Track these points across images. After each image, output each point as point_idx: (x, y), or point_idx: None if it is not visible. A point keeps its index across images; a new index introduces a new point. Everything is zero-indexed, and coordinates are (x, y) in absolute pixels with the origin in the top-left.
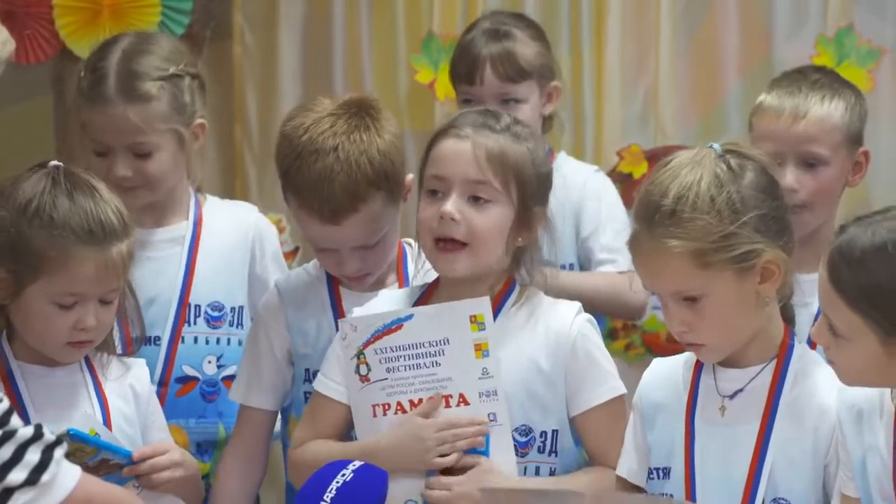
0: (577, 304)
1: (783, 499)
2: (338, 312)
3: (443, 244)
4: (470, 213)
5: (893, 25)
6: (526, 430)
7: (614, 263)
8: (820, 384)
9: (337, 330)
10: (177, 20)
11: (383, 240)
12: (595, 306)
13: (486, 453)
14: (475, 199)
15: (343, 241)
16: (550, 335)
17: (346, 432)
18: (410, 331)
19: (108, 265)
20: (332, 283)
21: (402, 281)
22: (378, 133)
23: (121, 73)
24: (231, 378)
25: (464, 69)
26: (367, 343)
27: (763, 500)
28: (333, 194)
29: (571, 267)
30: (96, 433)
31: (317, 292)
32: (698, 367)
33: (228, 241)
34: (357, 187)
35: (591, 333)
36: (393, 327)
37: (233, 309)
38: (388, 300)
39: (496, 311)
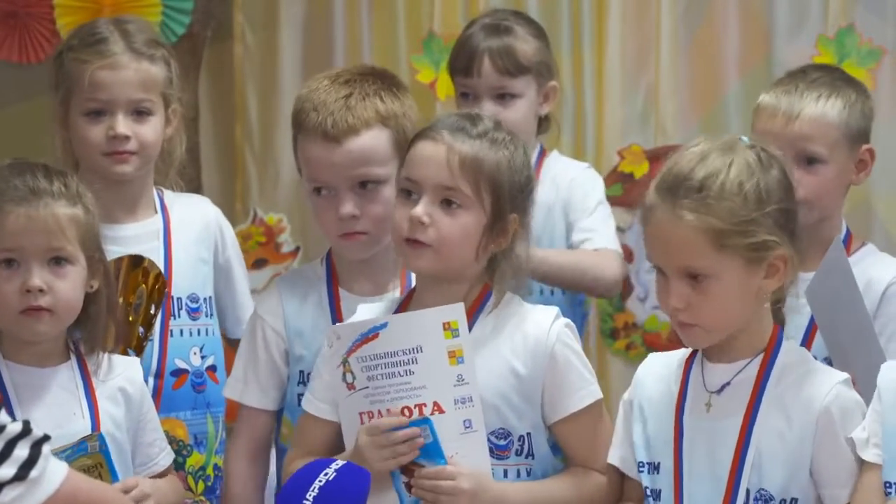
0: (555, 309)
1: (765, 490)
2: (336, 314)
3: (411, 241)
4: (439, 217)
5: (894, 25)
6: (504, 434)
7: (590, 241)
8: (808, 379)
9: None
10: (178, 20)
11: (382, 192)
12: (564, 281)
13: (437, 450)
14: (446, 204)
15: (340, 169)
16: (529, 341)
17: (335, 449)
18: (386, 339)
19: (36, 219)
20: (332, 284)
21: (404, 285)
22: (395, 85)
23: (124, 34)
24: (213, 368)
25: (462, 61)
26: (350, 351)
27: (747, 492)
28: (339, 109)
29: None
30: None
31: (317, 292)
32: (689, 363)
33: (194, 233)
34: (365, 111)
35: (570, 339)
36: (370, 336)
37: (205, 300)
38: (368, 312)
39: (473, 318)
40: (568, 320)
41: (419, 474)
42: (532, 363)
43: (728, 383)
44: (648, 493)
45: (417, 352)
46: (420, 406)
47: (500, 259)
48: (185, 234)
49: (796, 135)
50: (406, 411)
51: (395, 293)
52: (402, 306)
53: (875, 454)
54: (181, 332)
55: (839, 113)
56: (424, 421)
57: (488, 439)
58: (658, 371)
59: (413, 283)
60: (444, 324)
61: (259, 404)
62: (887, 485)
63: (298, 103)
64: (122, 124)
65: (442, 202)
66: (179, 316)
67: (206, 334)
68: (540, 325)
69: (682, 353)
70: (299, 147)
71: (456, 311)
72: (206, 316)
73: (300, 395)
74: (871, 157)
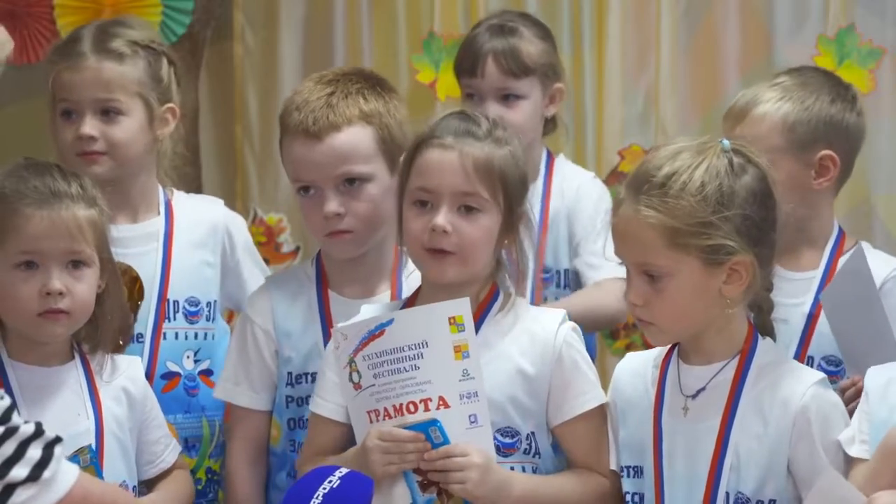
0: (563, 312)
1: (741, 493)
2: (325, 317)
3: (436, 251)
4: (460, 224)
5: (894, 25)
6: (512, 433)
7: (594, 270)
8: (785, 379)
9: (322, 335)
10: (178, 20)
11: (367, 190)
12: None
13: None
14: (466, 209)
15: (323, 166)
16: (536, 342)
17: (345, 449)
18: (392, 335)
19: (58, 222)
20: (322, 286)
21: (395, 289)
22: (379, 85)
23: (96, 34)
24: (208, 373)
25: (467, 62)
26: (357, 350)
27: (727, 495)
28: (321, 107)
29: (566, 273)
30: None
31: (306, 294)
32: (665, 364)
33: (199, 235)
34: (347, 109)
35: (576, 342)
36: (377, 333)
37: (208, 304)
38: (372, 312)
39: (481, 318)
40: (574, 324)
41: (429, 455)
42: (540, 363)
43: (703, 388)
44: (629, 497)
45: (423, 347)
46: (425, 401)
47: (506, 254)
48: (189, 236)
49: (738, 137)
50: (412, 406)
51: (386, 296)
52: (408, 305)
53: (863, 450)
54: (175, 335)
55: (783, 116)
56: (434, 422)
57: (495, 437)
58: (635, 369)
59: (402, 287)
60: (449, 318)
61: (251, 404)
62: None
63: (284, 106)
64: (88, 125)
65: (460, 208)
66: (175, 319)
67: (204, 338)
68: (547, 327)
69: (658, 351)
70: (284, 148)
71: (461, 306)
72: (206, 320)
73: (288, 397)
74: (833, 163)
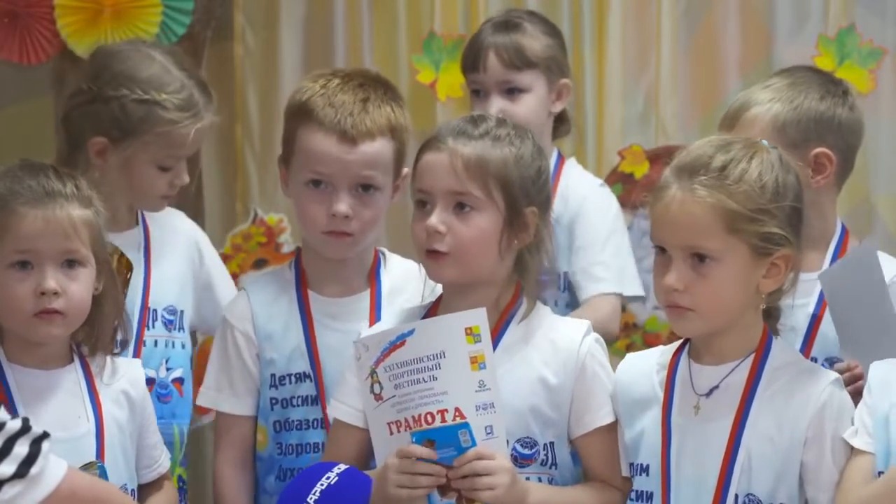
0: (587, 323)
1: (753, 494)
2: (306, 317)
3: (431, 252)
4: (454, 224)
5: (894, 25)
6: (531, 443)
7: (597, 283)
8: (799, 381)
9: (304, 335)
10: (178, 20)
11: (377, 199)
12: None
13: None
14: (459, 209)
15: (349, 168)
16: (559, 352)
17: (366, 456)
18: (412, 346)
19: (52, 221)
20: (302, 287)
21: (374, 288)
22: (399, 97)
23: (199, 84)
24: (180, 381)
25: (470, 57)
26: (378, 361)
27: (736, 496)
28: (359, 112)
29: (566, 276)
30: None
31: (286, 295)
32: (674, 363)
33: (173, 246)
34: (381, 118)
35: (599, 354)
36: (398, 343)
37: (180, 313)
38: (397, 317)
39: (504, 325)
40: (598, 336)
41: (458, 460)
42: (563, 373)
43: (717, 386)
44: (635, 496)
45: (441, 357)
46: (442, 412)
47: (526, 256)
48: (166, 246)
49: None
50: (429, 417)
51: (365, 295)
52: (431, 312)
53: (866, 442)
54: (155, 342)
55: (772, 119)
56: (464, 425)
57: (514, 448)
58: (638, 369)
59: (382, 287)
60: (466, 329)
61: (235, 410)
62: (880, 475)
63: (305, 94)
64: (186, 175)
65: (455, 208)
66: (154, 327)
67: (175, 347)
68: (571, 337)
69: (660, 352)
70: (301, 137)
71: (478, 316)
72: (178, 329)
73: (272, 399)
74: (829, 160)
